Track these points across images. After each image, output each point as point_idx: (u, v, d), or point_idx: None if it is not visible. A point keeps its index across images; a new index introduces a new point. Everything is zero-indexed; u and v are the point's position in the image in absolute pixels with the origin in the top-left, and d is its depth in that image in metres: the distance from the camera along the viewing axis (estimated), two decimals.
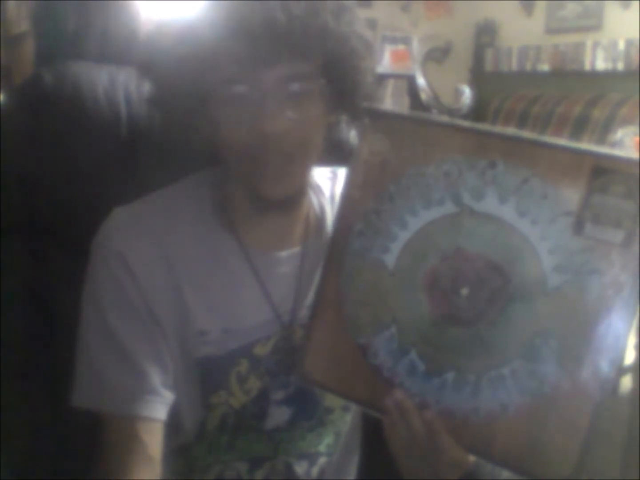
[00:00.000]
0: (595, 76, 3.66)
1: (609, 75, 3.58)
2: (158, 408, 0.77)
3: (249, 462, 0.86)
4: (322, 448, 0.90)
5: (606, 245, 0.65)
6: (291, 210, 0.83)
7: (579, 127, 3.37)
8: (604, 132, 3.20)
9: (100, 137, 0.89)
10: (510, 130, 0.70)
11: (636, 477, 1.27)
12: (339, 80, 0.75)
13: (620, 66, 3.52)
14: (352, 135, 0.92)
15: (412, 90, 3.54)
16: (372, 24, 4.10)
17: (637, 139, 2.84)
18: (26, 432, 0.90)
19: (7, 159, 0.88)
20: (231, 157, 0.76)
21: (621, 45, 3.51)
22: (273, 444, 0.86)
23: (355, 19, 0.75)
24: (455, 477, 0.71)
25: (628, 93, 3.29)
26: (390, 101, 3.57)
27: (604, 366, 0.65)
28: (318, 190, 0.89)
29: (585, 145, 0.67)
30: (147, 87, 0.79)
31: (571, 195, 0.66)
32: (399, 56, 3.96)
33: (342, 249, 0.75)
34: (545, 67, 3.97)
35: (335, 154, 0.87)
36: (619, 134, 2.99)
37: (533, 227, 0.67)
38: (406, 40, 4.03)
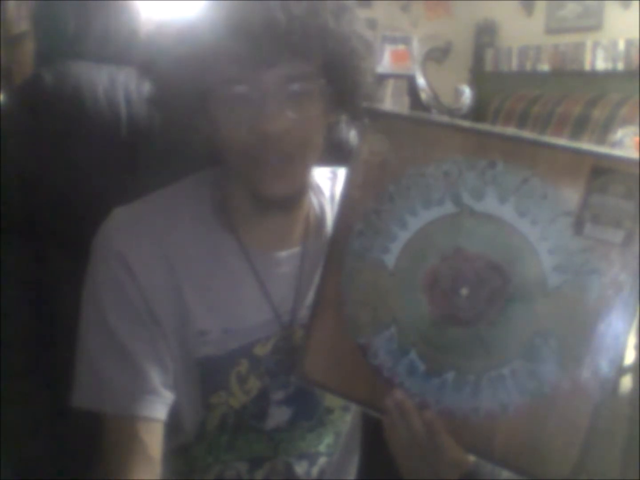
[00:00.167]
0: (595, 76, 3.66)
1: (609, 75, 3.58)
2: (158, 408, 0.77)
3: (249, 462, 0.86)
4: (322, 448, 0.90)
5: (606, 245, 0.65)
6: (291, 210, 0.83)
7: (579, 127, 3.37)
8: (604, 132, 3.20)
9: (100, 137, 0.89)
10: (510, 130, 0.70)
11: (636, 477, 1.27)
12: (339, 80, 0.75)
13: (620, 66, 3.51)
14: (352, 135, 0.92)
15: (412, 90, 3.54)
16: (372, 24, 4.10)
17: (637, 139, 2.84)
18: (26, 432, 0.90)
19: (7, 159, 0.88)
20: (231, 157, 0.76)
21: (621, 45, 3.51)
22: (273, 444, 0.86)
23: (356, 19, 0.75)
24: (455, 477, 0.71)
25: (628, 93, 3.28)
26: (390, 101, 3.57)
27: (604, 366, 0.65)
28: (318, 190, 0.89)
29: (585, 145, 0.67)
30: (147, 87, 0.79)
31: (571, 195, 0.66)
32: (399, 56, 3.96)
33: (342, 249, 0.75)
34: (545, 67, 3.97)
35: (335, 154, 0.87)
36: (619, 134, 2.99)
37: (533, 227, 0.67)
38: (406, 40, 4.03)
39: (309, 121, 0.74)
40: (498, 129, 0.71)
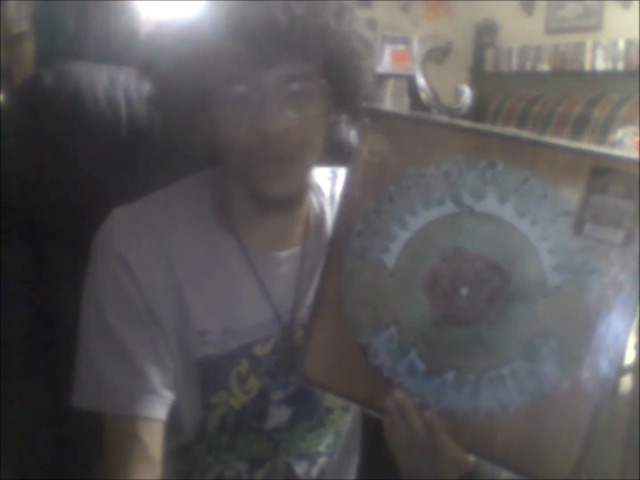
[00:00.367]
0: (595, 76, 3.66)
1: (609, 75, 3.58)
2: (158, 408, 0.77)
3: (249, 462, 0.86)
4: (322, 448, 0.90)
5: (606, 245, 0.65)
6: (291, 210, 0.83)
7: (579, 127, 3.37)
8: (604, 132, 3.20)
9: (100, 137, 0.89)
10: (510, 130, 0.70)
11: (636, 477, 1.27)
12: (339, 80, 0.75)
13: (620, 66, 3.52)
14: (352, 135, 0.92)
15: (412, 90, 3.54)
16: (372, 24, 4.10)
17: (637, 139, 2.84)
18: (26, 432, 0.91)
19: (7, 159, 0.88)
20: (231, 157, 0.76)
21: (621, 45, 3.51)
22: (273, 444, 0.86)
23: (356, 19, 0.75)
24: (455, 477, 0.71)
25: (628, 93, 3.29)
26: (390, 101, 3.57)
27: (604, 366, 0.65)
28: (318, 190, 0.89)
29: (585, 145, 0.67)
30: (147, 87, 0.79)
31: (571, 195, 0.66)
32: (399, 56, 3.96)
33: (342, 249, 0.75)
34: (545, 67, 3.97)
35: (335, 154, 0.87)
36: (619, 134, 2.99)
37: (533, 227, 0.67)
38: (406, 40, 4.03)
39: (309, 121, 0.74)
40: (498, 129, 0.71)
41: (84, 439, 0.83)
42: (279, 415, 0.84)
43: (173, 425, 0.79)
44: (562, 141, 0.68)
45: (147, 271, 0.77)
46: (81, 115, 0.88)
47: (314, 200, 0.88)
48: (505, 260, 0.68)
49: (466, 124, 0.71)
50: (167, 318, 0.78)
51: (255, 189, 0.76)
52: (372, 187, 0.74)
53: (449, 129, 0.71)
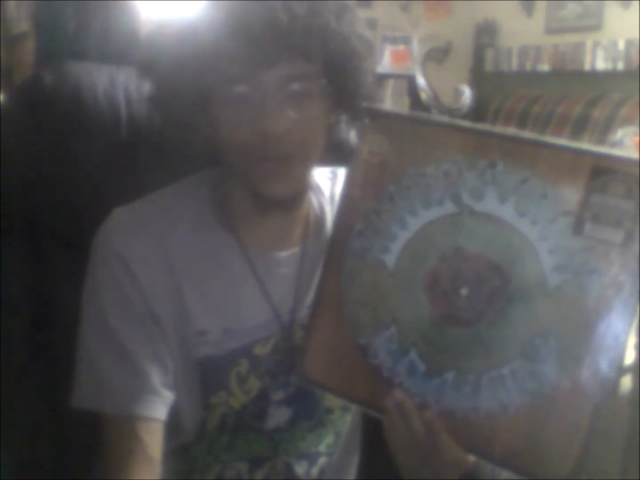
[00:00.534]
0: (595, 76, 3.65)
1: (609, 75, 3.58)
2: (158, 408, 0.77)
3: (249, 462, 0.86)
4: (322, 448, 0.90)
5: (606, 245, 0.65)
6: (291, 210, 0.83)
7: (579, 127, 3.37)
8: (604, 132, 3.20)
9: (100, 137, 0.89)
10: (510, 130, 0.70)
11: (636, 477, 1.27)
12: (340, 80, 0.75)
13: (620, 66, 3.51)
14: (352, 135, 0.92)
15: (412, 90, 3.54)
16: (372, 24, 4.10)
17: (637, 139, 2.84)
18: (26, 432, 0.91)
19: (7, 159, 0.88)
20: (231, 157, 0.76)
21: (621, 45, 3.50)
22: (273, 444, 0.86)
23: (356, 19, 0.75)
24: (455, 477, 0.71)
25: (628, 93, 3.28)
26: (390, 101, 3.57)
27: (604, 366, 0.65)
28: (318, 190, 0.89)
29: (585, 145, 0.67)
30: (147, 87, 0.79)
31: (571, 195, 0.66)
32: (399, 56, 3.96)
33: (342, 249, 0.75)
34: (545, 67, 3.97)
35: (335, 154, 0.87)
36: (619, 134, 2.98)
37: (533, 227, 0.67)
38: (406, 40, 4.03)
39: (309, 121, 0.74)
40: (498, 129, 0.71)
41: (84, 439, 0.83)
42: (279, 415, 0.84)
43: (173, 425, 0.79)
44: (562, 141, 0.68)
45: (147, 271, 0.77)
46: (81, 115, 0.88)
47: (314, 200, 0.88)
48: (505, 260, 0.68)
49: (466, 124, 0.71)
50: (167, 318, 0.78)
51: (255, 189, 0.76)
52: (372, 187, 0.74)
53: (449, 129, 0.71)
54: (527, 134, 0.69)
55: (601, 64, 3.62)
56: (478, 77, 4.37)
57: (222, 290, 0.80)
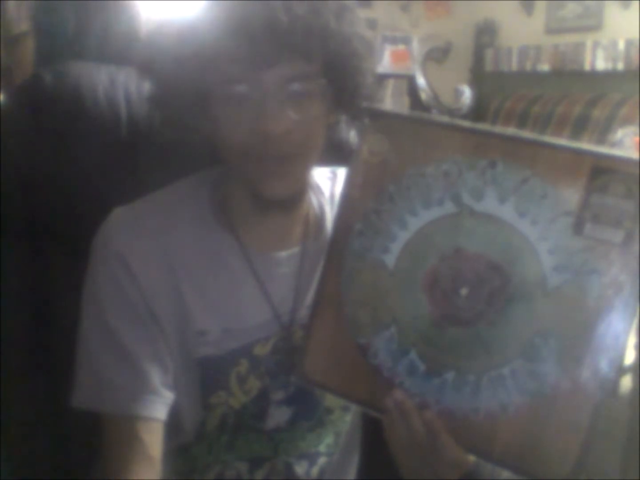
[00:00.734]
0: (595, 76, 3.66)
1: (609, 75, 3.58)
2: (158, 408, 0.77)
3: (249, 462, 0.86)
4: (322, 448, 0.90)
5: (606, 245, 0.65)
6: (291, 210, 0.83)
7: (579, 127, 3.37)
8: (604, 132, 3.20)
9: (100, 137, 0.89)
10: (510, 130, 0.70)
11: (636, 477, 1.27)
12: (340, 80, 0.75)
13: (620, 66, 3.52)
14: (352, 135, 0.92)
15: (412, 90, 3.54)
16: (372, 24, 4.10)
17: (637, 139, 2.84)
18: (26, 432, 0.91)
19: (7, 159, 0.88)
20: (231, 157, 0.76)
21: (621, 45, 3.51)
22: (273, 444, 0.86)
23: (357, 19, 0.75)
24: (455, 477, 0.71)
25: (628, 93, 3.28)
26: (390, 101, 3.57)
27: (604, 366, 0.65)
28: (318, 190, 0.89)
29: (585, 145, 0.67)
30: (147, 87, 0.79)
31: (571, 195, 0.66)
32: (399, 56, 3.95)
33: (342, 249, 0.75)
34: (545, 67, 3.97)
35: (335, 154, 0.87)
36: (619, 134, 2.98)
37: (533, 227, 0.67)
38: (406, 40, 4.03)
39: (309, 121, 0.74)
40: (498, 129, 0.71)
41: (83, 439, 0.83)
42: (279, 415, 0.84)
43: (173, 425, 0.79)
44: (562, 141, 0.68)
45: (147, 271, 0.77)
46: (81, 115, 0.88)
47: (314, 200, 0.88)
48: (505, 260, 0.68)
49: (466, 124, 0.71)
50: (167, 318, 0.78)
51: (255, 189, 0.76)
52: (372, 187, 0.74)
53: (449, 129, 0.71)
54: (527, 134, 0.69)
55: (601, 64, 3.62)
56: (478, 77, 4.38)
57: (222, 290, 0.80)
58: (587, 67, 3.70)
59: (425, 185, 0.71)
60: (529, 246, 0.67)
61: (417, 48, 3.81)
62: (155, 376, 0.77)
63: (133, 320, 0.77)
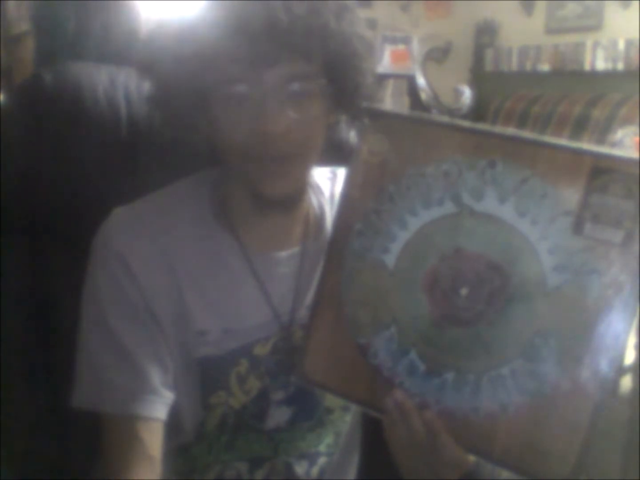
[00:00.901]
0: (595, 76, 3.66)
1: (609, 75, 3.58)
2: (158, 408, 0.77)
3: (249, 462, 0.86)
4: (322, 448, 0.90)
5: (606, 245, 0.65)
6: (291, 210, 0.83)
7: (579, 127, 3.37)
8: (604, 132, 3.20)
9: (100, 137, 0.89)
10: (510, 130, 0.70)
11: (636, 477, 1.27)
12: (340, 80, 0.75)
13: (620, 66, 3.52)
14: (352, 135, 0.92)
15: (412, 90, 3.54)
16: (372, 24, 4.10)
17: (637, 139, 2.84)
18: (26, 432, 0.90)
19: (7, 159, 0.88)
20: (231, 156, 0.76)
21: (621, 45, 3.51)
22: (273, 444, 0.86)
23: (357, 19, 0.75)
24: (455, 477, 0.71)
25: (628, 93, 3.28)
26: (390, 101, 3.57)
27: (604, 366, 0.65)
28: (318, 190, 0.89)
29: (585, 145, 0.67)
30: (147, 87, 0.79)
31: (571, 195, 0.66)
32: (399, 56, 3.95)
33: (342, 249, 0.75)
34: (545, 67, 3.97)
35: (335, 154, 0.87)
36: (619, 134, 2.99)
37: (533, 227, 0.67)
38: (406, 40, 4.03)
39: (309, 121, 0.74)
40: (498, 129, 0.71)
41: (83, 439, 0.83)
42: (279, 415, 0.84)
43: (173, 425, 0.79)
44: (562, 141, 0.68)
45: (147, 271, 0.77)
46: (81, 115, 0.88)
47: (313, 200, 0.88)
48: (505, 260, 0.68)
49: (466, 124, 0.71)
50: (167, 318, 0.78)
51: (255, 188, 0.76)
52: (372, 187, 0.74)
53: (449, 129, 0.71)
54: (527, 134, 0.69)
55: (601, 64, 3.62)
56: (478, 77, 4.38)
57: (221, 290, 0.80)
58: (587, 67, 3.70)
59: (425, 185, 0.71)
60: (529, 246, 0.67)
61: (417, 48, 3.81)
62: (155, 376, 0.77)
63: (133, 320, 0.77)
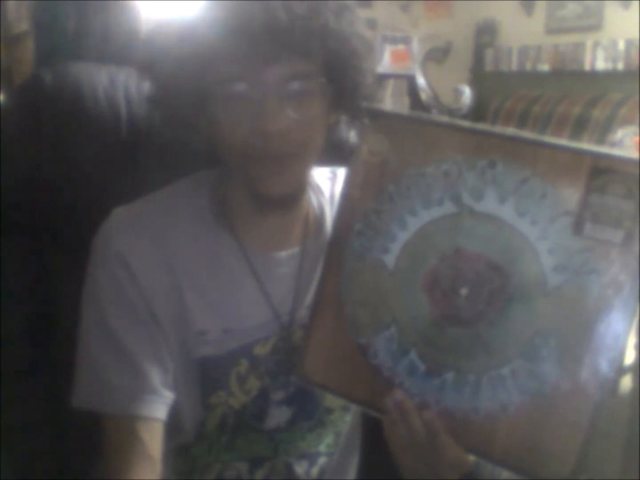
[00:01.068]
0: (595, 76, 3.66)
1: (609, 75, 3.58)
2: (158, 408, 0.77)
3: (249, 462, 0.86)
4: (322, 448, 0.90)
5: (606, 245, 0.65)
6: (290, 210, 0.83)
7: (579, 127, 3.37)
8: (604, 132, 3.20)
9: (100, 137, 0.89)
10: (510, 130, 0.70)
11: (636, 477, 1.27)
12: (340, 80, 0.75)
13: (620, 66, 3.51)
14: (352, 135, 0.92)
15: (412, 90, 3.54)
16: (372, 24, 4.10)
17: (637, 139, 2.84)
18: (26, 432, 0.91)
19: (7, 159, 0.88)
20: (231, 156, 0.76)
21: (621, 45, 3.50)
22: (273, 444, 0.86)
23: (357, 19, 0.75)
24: (455, 477, 0.71)
25: (628, 93, 3.28)
26: (390, 101, 3.57)
27: (604, 366, 0.65)
28: (318, 190, 0.89)
29: (585, 145, 0.67)
30: (147, 87, 0.79)
31: (571, 195, 0.66)
32: (399, 56, 3.95)
33: (342, 249, 0.75)
34: (545, 67, 3.97)
35: (335, 154, 0.87)
36: (619, 134, 2.98)
37: (533, 227, 0.67)
38: (406, 40, 4.02)
39: (308, 120, 0.74)
40: (498, 129, 0.71)
41: (83, 439, 0.83)
42: (279, 415, 0.84)
43: (173, 425, 0.79)
44: (562, 141, 0.68)
45: (147, 271, 0.77)
46: (81, 115, 0.88)
47: (313, 200, 0.88)
48: (505, 260, 0.68)
49: (466, 124, 0.71)
50: (167, 318, 0.78)
51: (255, 188, 0.76)
52: (372, 187, 0.74)
53: (449, 129, 0.71)
54: (527, 134, 0.69)
55: (601, 64, 3.62)
56: (478, 77, 4.38)
57: (221, 290, 0.80)
58: (587, 67, 3.70)
59: (425, 185, 0.71)
60: (529, 246, 0.67)
61: (417, 48, 3.81)
62: (155, 376, 0.77)
63: (133, 320, 0.77)
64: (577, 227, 0.66)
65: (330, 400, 0.86)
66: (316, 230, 0.86)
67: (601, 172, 0.65)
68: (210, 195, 0.83)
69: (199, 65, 0.71)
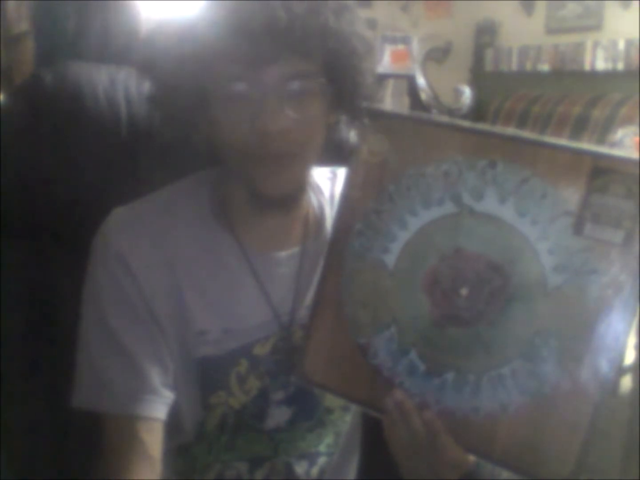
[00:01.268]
0: (595, 76, 3.65)
1: (609, 75, 3.57)
2: (158, 408, 0.77)
3: (249, 462, 0.86)
4: (322, 448, 0.90)
5: (606, 245, 0.65)
6: (290, 210, 0.83)
7: (579, 127, 3.37)
8: (604, 132, 3.20)
9: (100, 137, 0.89)
10: (510, 130, 0.70)
11: (636, 477, 1.27)
12: (339, 80, 0.75)
13: (620, 66, 3.51)
14: (352, 135, 0.92)
15: (412, 90, 3.54)
16: (372, 24, 4.10)
17: (637, 139, 2.83)
18: (26, 432, 0.91)
19: (7, 159, 0.88)
20: (231, 155, 0.76)
21: (621, 45, 3.50)
22: (273, 444, 0.86)
23: (356, 18, 0.75)
24: (455, 477, 0.71)
25: (628, 93, 3.28)
26: (390, 101, 3.57)
27: (604, 366, 0.65)
28: (318, 190, 0.89)
29: (585, 145, 0.67)
30: (147, 87, 0.79)
31: (571, 195, 0.66)
32: (399, 56, 3.95)
33: (342, 249, 0.75)
34: (545, 67, 3.97)
35: (335, 154, 0.87)
36: (619, 134, 2.98)
37: (533, 227, 0.67)
38: (406, 40, 4.02)
39: (308, 120, 0.74)
40: (498, 129, 0.71)
41: (84, 438, 0.83)
42: (279, 415, 0.84)
43: (173, 425, 0.79)
44: (562, 141, 0.68)
45: (147, 271, 0.77)
46: (81, 116, 0.88)
47: (313, 200, 0.88)
48: (505, 260, 0.68)
49: (466, 124, 0.71)
50: (167, 318, 0.78)
51: (255, 188, 0.76)
52: (372, 187, 0.74)
53: (449, 129, 0.71)
54: (527, 134, 0.69)
55: (601, 64, 3.61)
56: (478, 77, 4.37)
57: (221, 290, 0.80)
58: (587, 67, 3.70)
59: (425, 185, 0.71)
60: (529, 246, 0.67)
61: (417, 48, 3.81)
62: (155, 376, 0.77)
63: (133, 320, 0.77)
64: (578, 227, 0.66)
65: (330, 400, 0.86)
66: (316, 230, 0.86)
67: (601, 172, 0.65)
68: (210, 195, 0.83)
69: (199, 65, 0.71)
